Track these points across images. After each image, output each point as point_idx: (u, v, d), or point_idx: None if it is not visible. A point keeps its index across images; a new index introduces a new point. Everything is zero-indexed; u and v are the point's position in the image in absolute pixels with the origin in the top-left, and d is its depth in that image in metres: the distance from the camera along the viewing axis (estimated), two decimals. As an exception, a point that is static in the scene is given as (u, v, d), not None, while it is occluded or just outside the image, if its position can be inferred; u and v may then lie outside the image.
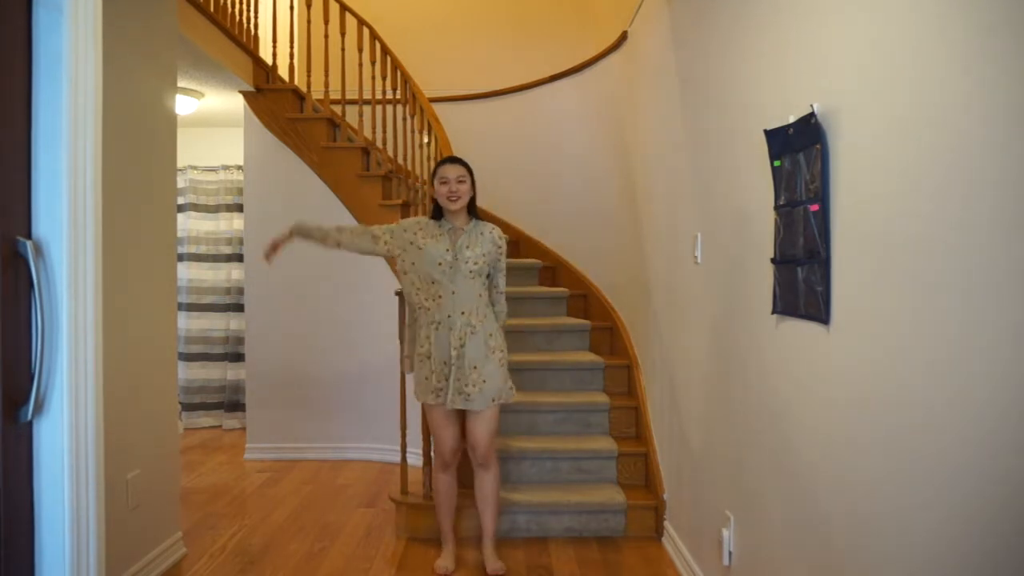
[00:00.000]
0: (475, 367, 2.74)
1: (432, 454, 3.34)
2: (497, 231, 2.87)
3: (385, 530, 3.35)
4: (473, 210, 2.87)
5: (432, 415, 2.86)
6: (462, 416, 2.88)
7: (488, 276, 2.85)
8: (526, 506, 3.24)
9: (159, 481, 2.88)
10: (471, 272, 2.75)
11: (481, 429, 2.83)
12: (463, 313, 2.75)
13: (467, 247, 2.77)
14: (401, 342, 3.39)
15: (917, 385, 1.31)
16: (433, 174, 2.84)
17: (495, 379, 2.77)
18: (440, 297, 2.76)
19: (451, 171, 2.79)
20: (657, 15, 3.35)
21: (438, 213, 2.85)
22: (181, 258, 5.44)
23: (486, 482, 2.91)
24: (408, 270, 2.83)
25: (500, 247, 2.85)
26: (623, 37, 4.18)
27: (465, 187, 2.79)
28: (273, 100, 4.42)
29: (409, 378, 3.59)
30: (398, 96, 4.49)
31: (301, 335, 4.59)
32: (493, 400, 2.78)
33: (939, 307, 1.24)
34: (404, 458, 3.44)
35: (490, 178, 5.17)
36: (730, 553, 2.31)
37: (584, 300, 4.67)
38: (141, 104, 2.77)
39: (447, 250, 2.76)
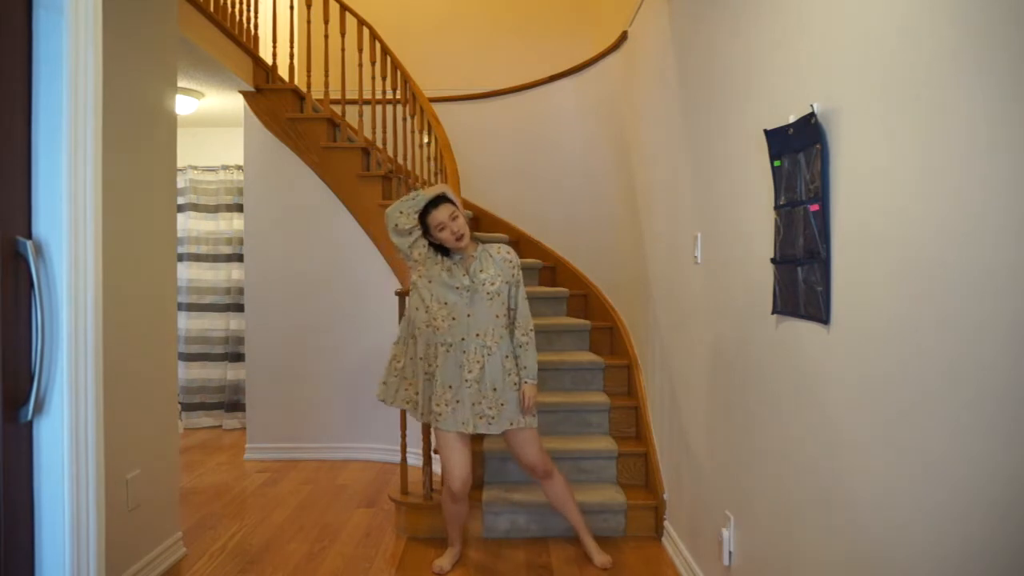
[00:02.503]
0: (495, 388, 2.71)
1: (431, 452, 3.35)
2: (504, 249, 2.83)
3: (385, 530, 3.35)
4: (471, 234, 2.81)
5: (440, 438, 2.76)
6: (472, 441, 2.84)
7: (507, 296, 2.78)
8: (527, 506, 3.24)
9: (159, 481, 2.88)
10: (489, 294, 2.71)
11: (530, 452, 2.82)
12: (478, 335, 2.70)
13: (481, 271, 2.74)
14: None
15: (917, 384, 1.31)
16: (423, 224, 2.70)
17: (513, 403, 2.74)
18: (455, 319, 2.70)
19: (443, 213, 2.67)
20: (657, 15, 3.35)
21: (444, 252, 2.77)
22: (181, 258, 5.44)
23: (555, 486, 2.92)
24: (421, 285, 2.76)
25: (512, 262, 2.81)
26: (623, 37, 4.18)
27: (461, 220, 2.70)
28: (273, 100, 4.42)
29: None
30: (398, 96, 4.49)
31: (301, 335, 4.59)
32: (511, 424, 2.74)
33: (939, 307, 1.24)
34: (404, 458, 3.44)
35: (490, 178, 5.20)
36: (730, 553, 2.31)
37: (584, 300, 4.67)
38: (141, 104, 2.77)
39: (464, 275, 2.72)
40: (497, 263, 2.77)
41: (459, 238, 2.70)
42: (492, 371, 2.71)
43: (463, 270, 2.73)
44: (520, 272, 2.83)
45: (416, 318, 2.78)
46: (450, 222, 2.68)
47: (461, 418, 2.69)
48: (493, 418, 2.71)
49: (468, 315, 2.70)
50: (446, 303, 2.71)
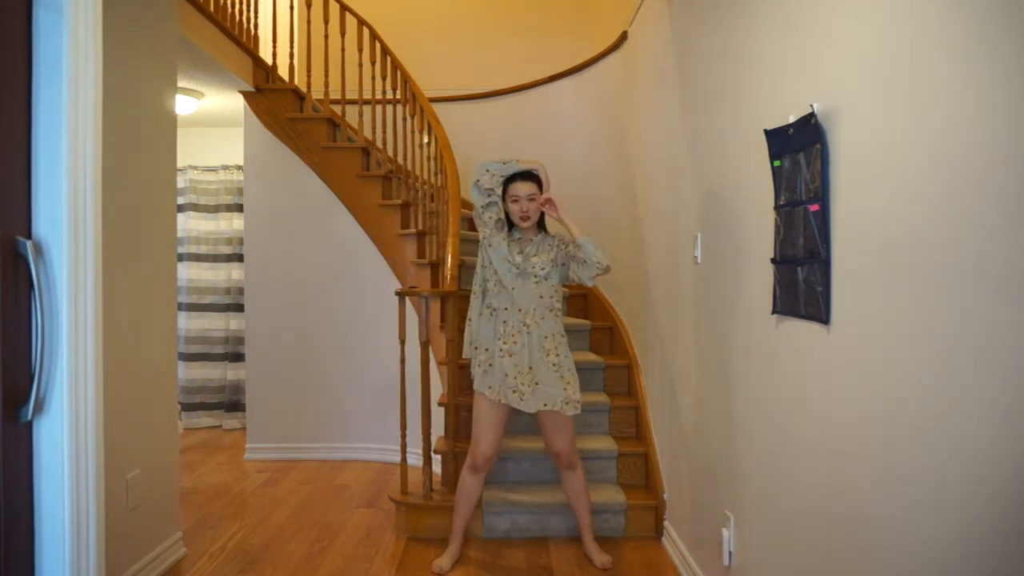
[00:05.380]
0: (530, 368, 2.76)
1: (431, 452, 3.35)
2: (558, 237, 2.89)
3: (385, 530, 3.35)
4: (542, 225, 2.89)
5: (478, 407, 2.83)
6: (508, 419, 2.88)
7: (558, 277, 2.85)
8: (527, 506, 3.24)
9: (159, 481, 2.88)
10: (536, 278, 2.78)
11: (563, 440, 2.88)
12: (520, 310, 2.77)
13: (535, 255, 2.80)
14: (402, 343, 3.39)
15: (917, 385, 1.31)
16: (504, 188, 2.81)
17: (547, 385, 2.77)
18: (503, 287, 2.80)
19: (522, 189, 2.78)
20: (657, 15, 3.35)
21: (509, 225, 2.87)
22: (181, 258, 5.44)
23: (574, 480, 2.96)
24: (485, 246, 2.85)
25: (561, 242, 2.85)
26: (623, 37, 4.18)
27: (535, 205, 2.79)
28: (273, 100, 4.42)
29: (410, 377, 3.60)
30: (398, 96, 4.49)
31: (301, 335, 4.59)
32: (545, 405, 2.77)
33: (939, 307, 1.24)
34: (404, 458, 3.44)
35: (490, 178, 5.19)
36: (730, 553, 2.31)
37: (584, 300, 4.67)
38: (141, 104, 2.77)
39: (518, 253, 2.80)
40: (551, 248, 2.84)
41: (524, 218, 2.79)
42: (530, 350, 2.76)
43: (518, 248, 2.82)
44: (564, 244, 2.84)
45: (479, 273, 2.89)
46: (525, 199, 2.78)
47: (490, 382, 2.77)
48: (524, 395, 2.75)
49: (512, 288, 2.78)
50: (497, 271, 2.80)
